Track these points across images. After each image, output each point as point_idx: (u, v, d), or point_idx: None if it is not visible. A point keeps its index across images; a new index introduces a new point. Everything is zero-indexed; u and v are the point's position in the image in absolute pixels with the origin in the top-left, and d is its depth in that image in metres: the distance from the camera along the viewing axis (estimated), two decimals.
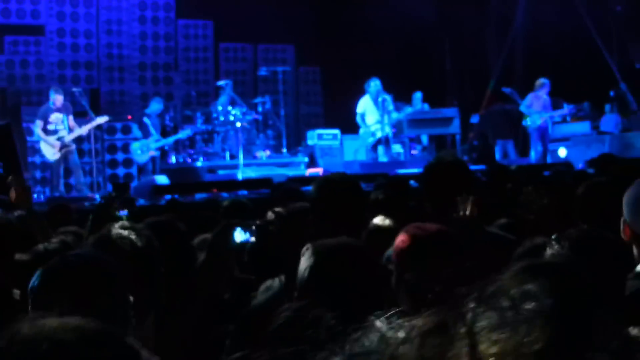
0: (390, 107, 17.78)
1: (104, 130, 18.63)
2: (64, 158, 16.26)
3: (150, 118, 17.78)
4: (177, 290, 3.95)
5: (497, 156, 19.45)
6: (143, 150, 17.52)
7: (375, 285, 3.19)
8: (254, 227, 4.60)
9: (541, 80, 18.31)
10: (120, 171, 18.89)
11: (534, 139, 18.41)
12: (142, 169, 17.83)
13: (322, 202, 4.52)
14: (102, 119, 16.87)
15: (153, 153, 17.63)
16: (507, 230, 5.32)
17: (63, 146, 16.13)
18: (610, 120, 20.05)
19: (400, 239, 3.66)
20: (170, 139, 17.85)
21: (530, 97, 18.35)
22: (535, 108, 18.21)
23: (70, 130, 16.23)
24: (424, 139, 19.82)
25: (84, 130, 16.48)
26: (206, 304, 4.31)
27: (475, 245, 4.18)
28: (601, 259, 3.19)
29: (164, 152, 18.25)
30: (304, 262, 3.25)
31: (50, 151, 16.14)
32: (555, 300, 1.08)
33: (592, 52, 20.92)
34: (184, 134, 18.00)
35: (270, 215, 4.96)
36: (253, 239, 4.51)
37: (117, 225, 3.54)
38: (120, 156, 18.86)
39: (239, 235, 4.51)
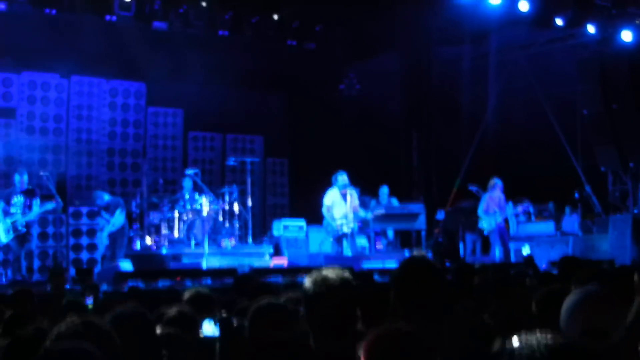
0: (356, 201, 17.86)
1: (69, 214, 18.54)
2: (21, 242, 16.02)
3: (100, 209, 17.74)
4: None
5: (467, 251, 19.52)
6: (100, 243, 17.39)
7: None
8: (217, 320, 4.60)
9: (493, 181, 18.53)
10: (84, 255, 18.74)
11: (493, 239, 18.56)
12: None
13: (317, 301, 4.47)
14: (49, 206, 16.45)
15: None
16: (475, 330, 5.33)
17: (15, 229, 15.93)
18: (570, 222, 20.25)
19: (369, 338, 3.67)
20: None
21: (485, 198, 18.53)
22: (492, 208, 18.37)
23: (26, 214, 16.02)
24: (390, 233, 19.88)
25: (32, 215, 16.23)
26: None
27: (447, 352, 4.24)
28: None
29: (129, 238, 18.21)
30: None
31: (3, 234, 15.97)
32: None
33: (558, 153, 21.19)
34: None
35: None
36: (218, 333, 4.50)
37: (76, 320, 3.46)
38: (84, 240, 18.73)
39: (207, 328, 4.51)
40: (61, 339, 3.39)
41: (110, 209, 17.78)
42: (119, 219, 17.74)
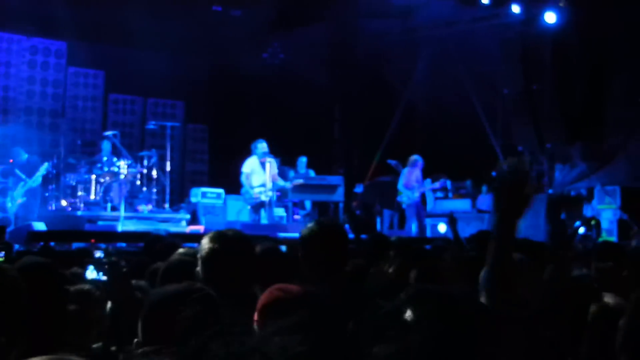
0: (275, 170, 17.83)
1: None
2: None
3: (17, 166, 17.37)
4: (45, 335, 3.86)
5: (385, 226, 19.62)
6: (12, 202, 17.08)
7: None
8: (106, 266, 4.57)
9: (414, 157, 18.72)
10: None
11: (409, 214, 18.73)
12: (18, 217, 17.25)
13: (216, 255, 4.49)
14: None
15: (20, 201, 17.14)
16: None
17: None
18: (487, 200, 20.51)
19: (262, 298, 3.65)
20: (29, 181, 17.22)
21: (405, 173, 18.71)
22: (411, 183, 18.56)
23: None
24: (308, 204, 19.90)
25: None
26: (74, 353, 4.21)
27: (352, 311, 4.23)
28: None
29: (44, 199, 17.89)
30: None
31: None
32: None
33: (478, 132, 21.40)
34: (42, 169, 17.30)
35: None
36: (105, 277, 4.48)
37: None
38: None
39: (91, 274, 4.49)
40: None
41: (28, 168, 17.44)
42: (37, 180, 17.40)
